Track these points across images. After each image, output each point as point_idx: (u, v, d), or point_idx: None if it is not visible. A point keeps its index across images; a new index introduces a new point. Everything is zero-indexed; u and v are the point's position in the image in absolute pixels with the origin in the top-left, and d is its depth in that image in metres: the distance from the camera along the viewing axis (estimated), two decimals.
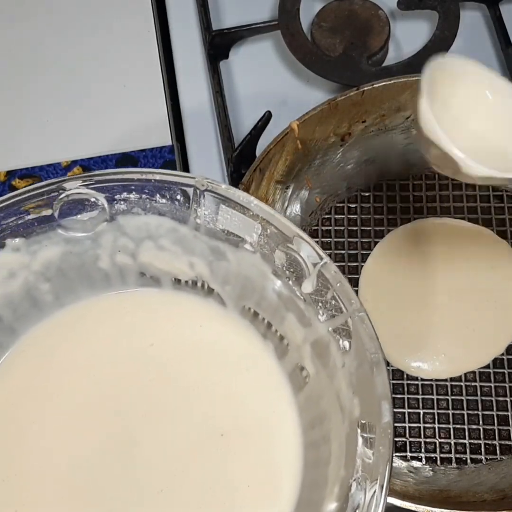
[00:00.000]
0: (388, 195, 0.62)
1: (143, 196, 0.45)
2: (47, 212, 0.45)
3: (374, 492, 0.37)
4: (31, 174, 0.65)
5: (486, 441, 0.54)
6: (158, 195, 0.45)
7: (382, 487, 0.37)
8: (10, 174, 0.65)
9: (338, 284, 0.42)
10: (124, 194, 0.45)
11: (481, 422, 0.55)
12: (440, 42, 0.66)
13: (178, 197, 0.45)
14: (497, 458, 0.54)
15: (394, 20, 0.70)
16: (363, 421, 0.39)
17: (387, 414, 0.38)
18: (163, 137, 0.67)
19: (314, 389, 0.44)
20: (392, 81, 0.58)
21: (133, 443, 0.46)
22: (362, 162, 0.62)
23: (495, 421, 0.55)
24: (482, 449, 0.54)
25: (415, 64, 0.65)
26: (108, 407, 0.47)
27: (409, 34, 0.69)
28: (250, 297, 0.47)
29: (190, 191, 0.45)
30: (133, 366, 0.48)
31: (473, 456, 0.54)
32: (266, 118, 0.62)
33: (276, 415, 0.45)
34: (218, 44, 0.68)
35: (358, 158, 0.62)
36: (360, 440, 0.39)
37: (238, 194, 0.44)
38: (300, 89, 0.68)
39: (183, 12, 0.72)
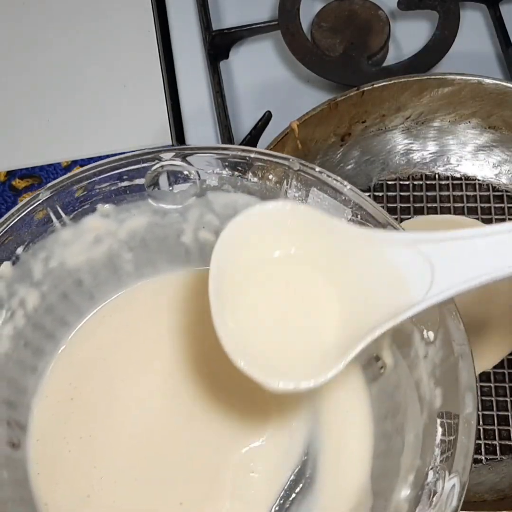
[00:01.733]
0: (388, 195, 0.62)
1: (235, 173, 0.44)
2: (140, 181, 0.45)
3: (453, 484, 0.37)
4: (31, 174, 0.65)
5: (486, 441, 0.54)
6: (250, 173, 0.44)
7: (461, 477, 0.37)
8: (10, 174, 0.65)
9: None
10: (217, 170, 0.45)
11: (481, 422, 0.55)
12: (440, 42, 0.66)
13: (271, 176, 0.44)
14: (497, 458, 0.54)
15: (394, 20, 0.70)
16: (444, 411, 0.39)
17: (470, 405, 0.38)
18: (163, 137, 0.67)
19: (390, 380, 0.43)
20: (392, 81, 0.59)
21: (203, 411, 0.46)
22: (362, 162, 0.62)
23: (495, 421, 0.55)
24: (482, 449, 0.54)
25: (415, 64, 0.65)
26: (181, 376, 0.47)
27: (409, 34, 0.69)
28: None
29: (282, 171, 0.44)
30: (206, 341, 0.47)
31: (473, 456, 0.54)
32: (266, 118, 0.62)
33: (347, 406, 0.45)
34: (218, 44, 0.68)
35: (358, 158, 0.62)
36: (439, 430, 0.39)
37: (332, 178, 0.43)
38: (300, 89, 0.68)
39: (183, 12, 0.72)
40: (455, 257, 0.37)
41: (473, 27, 0.70)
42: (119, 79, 0.70)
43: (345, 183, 0.43)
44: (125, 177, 0.45)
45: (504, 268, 0.36)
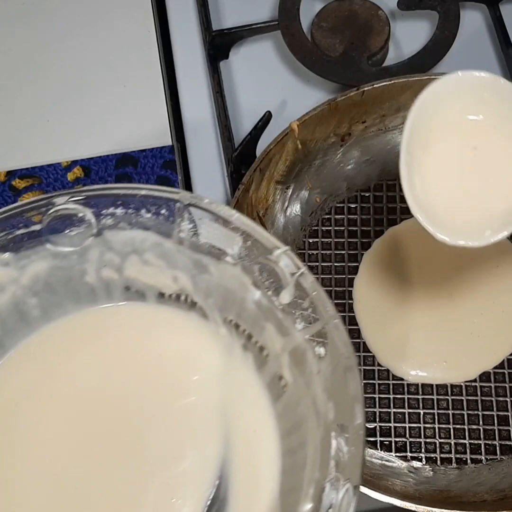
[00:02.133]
0: (388, 195, 0.62)
1: (129, 211, 0.46)
2: (36, 227, 0.46)
3: (346, 490, 0.38)
4: (31, 174, 0.65)
5: (486, 441, 0.54)
6: (143, 210, 0.46)
7: (354, 485, 0.38)
8: (10, 174, 0.65)
9: (314, 293, 0.43)
10: (111, 209, 0.46)
11: (481, 422, 0.55)
12: (440, 42, 0.66)
13: (163, 211, 0.46)
14: (497, 458, 0.54)
15: (394, 20, 0.70)
16: (337, 424, 0.40)
17: (359, 416, 0.40)
18: (163, 137, 0.67)
19: (292, 397, 0.45)
20: (392, 81, 0.59)
21: (120, 449, 0.47)
22: (362, 162, 0.62)
23: (495, 421, 0.55)
24: (482, 449, 0.54)
25: (415, 64, 0.65)
26: (96, 417, 0.48)
27: (409, 34, 0.69)
28: (231, 308, 0.47)
29: (174, 205, 0.45)
30: (118, 378, 0.49)
31: (473, 456, 0.54)
32: (266, 118, 0.62)
33: (255, 425, 0.46)
34: (218, 44, 0.68)
35: (358, 158, 0.62)
36: (333, 442, 0.40)
37: (220, 208, 0.45)
38: (300, 89, 0.68)
39: (183, 12, 0.72)
40: None
41: (473, 27, 0.70)
42: (119, 79, 0.70)
43: (233, 212, 0.45)
44: (20, 224, 0.46)
45: None
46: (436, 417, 0.55)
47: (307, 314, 0.43)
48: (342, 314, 0.58)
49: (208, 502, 0.45)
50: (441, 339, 0.57)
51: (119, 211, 0.46)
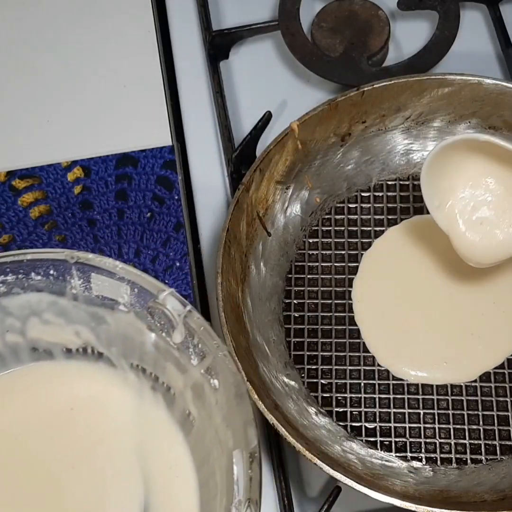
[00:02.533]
0: (388, 195, 0.62)
1: (19, 276, 0.48)
2: None
3: (246, 508, 0.41)
4: (31, 174, 0.65)
5: (486, 441, 0.54)
6: (33, 273, 0.48)
7: (255, 504, 0.41)
8: (10, 174, 0.65)
9: (201, 329, 0.46)
10: (2, 277, 0.48)
11: (481, 422, 0.55)
12: (440, 42, 0.66)
13: (51, 272, 0.48)
14: (497, 458, 0.54)
15: (394, 20, 0.70)
16: (236, 450, 0.43)
17: (253, 439, 0.43)
18: (163, 137, 0.67)
19: (200, 429, 0.48)
20: (392, 81, 0.59)
21: (43, 503, 0.49)
22: (362, 162, 0.62)
23: (495, 421, 0.55)
24: (482, 449, 0.54)
25: (415, 64, 0.65)
26: (18, 475, 0.50)
27: (409, 34, 0.69)
28: (134, 354, 0.50)
29: (61, 265, 0.48)
30: (35, 437, 0.50)
31: (473, 456, 0.54)
32: (266, 118, 0.62)
33: (172, 461, 0.49)
34: (218, 44, 0.68)
35: (358, 158, 0.62)
36: (235, 468, 0.43)
37: (104, 261, 0.48)
38: (300, 89, 0.68)
39: (183, 12, 0.72)
40: None
41: (473, 27, 0.70)
42: (119, 79, 0.70)
43: (117, 263, 0.48)
44: None
45: None
46: (436, 417, 0.55)
47: (199, 350, 0.46)
48: (342, 314, 0.58)
49: None
50: (441, 340, 0.57)
51: (10, 277, 0.48)
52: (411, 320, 0.58)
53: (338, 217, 0.61)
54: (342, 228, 0.61)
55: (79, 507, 0.49)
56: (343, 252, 0.60)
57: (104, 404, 0.51)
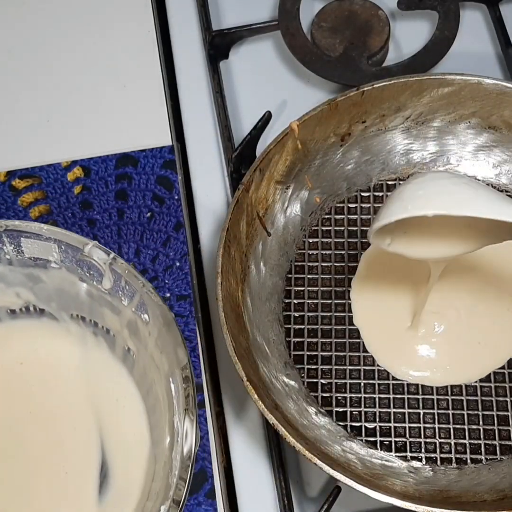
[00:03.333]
0: (388, 195, 0.62)
1: None
2: None
3: (185, 418, 0.47)
4: (31, 174, 0.65)
5: (486, 441, 0.54)
6: None
7: (191, 413, 0.47)
8: (10, 174, 0.65)
9: (126, 272, 0.51)
10: None
11: (481, 422, 0.55)
12: (440, 42, 0.66)
13: None
14: (497, 458, 0.54)
15: (394, 20, 0.70)
16: (171, 371, 0.49)
17: (183, 358, 0.48)
18: (163, 137, 0.67)
19: (139, 362, 0.53)
20: (392, 81, 0.59)
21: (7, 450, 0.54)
22: (362, 162, 0.62)
23: (495, 421, 0.55)
24: (482, 449, 0.54)
25: (415, 64, 0.65)
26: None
27: (409, 34, 0.69)
28: (71, 305, 0.55)
29: None
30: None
31: (473, 456, 0.54)
32: (266, 118, 0.62)
33: (120, 396, 0.54)
34: (218, 44, 0.68)
35: (358, 158, 0.62)
36: (172, 387, 0.48)
37: (31, 226, 0.52)
38: (300, 89, 0.68)
39: (183, 12, 0.72)
40: None
41: (473, 27, 0.70)
42: (119, 79, 0.70)
43: (42, 225, 0.52)
44: None
45: None
46: (436, 417, 0.55)
47: (127, 291, 0.51)
48: (342, 314, 0.58)
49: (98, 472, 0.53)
50: (441, 341, 0.57)
51: None
52: (411, 322, 0.57)
53: (338, 217, 0.61)
54: (342, 228, 0.61)
55: (40, 453, 0.53)
56: (343, 252, 0.60)
57: (52, 354, 0.56)
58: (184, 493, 0.46)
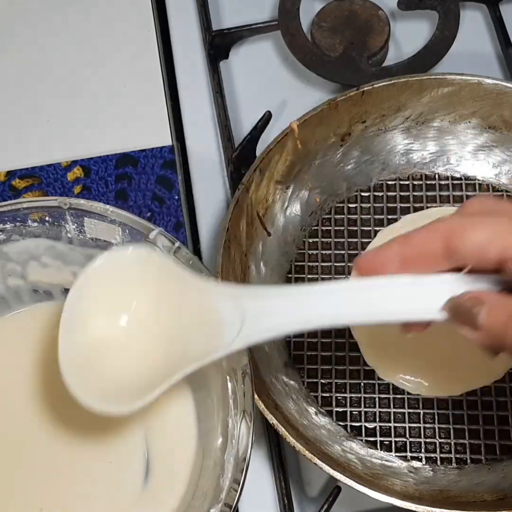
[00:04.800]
0: (388, 195, 0.62)
1: (17, 224, 0.51)
2: None
3: (242, 419, 0.45)
4: (31, 174, 0.65)
5: (486, 441, 0.54)
6: (29, 220, 0.51)
7: (249, 415, 0.45)
8: (10, 174, 0.65)
9: (190, 262, 0.49)
10: (0, 226, 0.51)
11: (481, 422, 0.55)
12: (440, 42, 0.66)
13: (47, 218, 0.51)
14: (497, 458, 0.54)
15: (394, 20, 0.70)
16: (230, 369, 0.47)
17: (244, 357, 0.46)
18: (163, 137, 0.67)
19: None
20: (392, 81, 0.59)
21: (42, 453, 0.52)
22: (362, 162, 0.62)
23: (495, 421, 0.55)
24: (482, 449, 0.54)
25: (415, 64, 0.65)
26: (19, 416, 0.52)
27: (409, 34, 0.69)
28: None
29: (56, 211, 0.51)
30: (37, 374, 0.53)
31: (473, 456, 0.54)
32: (266, 118, 0.62)
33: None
34: (218, 44, 0.68)
35: (358, 158, 0.62)
36: (229, 385, 0.47)
37: (96, 206, 0.50)
38: (300, 89, 0.68)
39: (183, 12, 0.72)
40: (262, 310, 0.43)
41: (473, 27, 0.70)
42: (119, 79, 0.70)
43: (108, 207, 0.50)
44: None
45: (295, 324, 0.42)
46: (436, 416, 0.55)
47: None
48: None
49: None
50: (440, 349, 0.56)
51: (9, 225, 0.51)
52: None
53: (338, 217, 0.61)
54: (342, 228, 0.61)
55: (84, 440, 0.51)
56: (343, 252, 0.60)
57: None
58: (237, 496, 0.44)
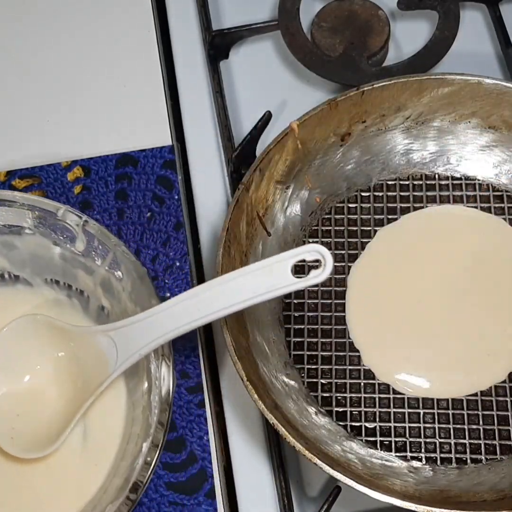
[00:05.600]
0: (388, 195, 0.62)
1: None
2: None
3: (162, 362, 0.50)
4: (31, 174, 0.65)
5: (486, 441, 0.54)
6: None
7: (167, 357, 0.50)
8: (10, 174, 0.65)
9: (99, 232, 0.53)
10: None
11: (481, 422, 0.55)
12: (440, 42, 0.66)
13: None
14: (497, 458, 0.54)
15: (394, 20, 0.70)
16: None
17: (155, 304, 0.50)
18: (163, 137, 0.67)
19: (113, 317, 0.55)
20: (392, 81, 0.59)
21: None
22: (362, 162, 0.62)
23: (495, 421, 0.55)
24: (482, 449, 0.54)
25: (415, 64, 0.65)
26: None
27: (409, 34, 0.69)
28: (45, 270, 0.56)
29: None
30: None
31: (473, 456, 0.54)
32: (266, 118, 0.62)
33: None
34: (218, 44, 0.68)
35: (358, 158, 0.62)
36: None
37: (3, 193, 0.54)
38: (300, 89, 0.68)
39: (183, 12, 0.72)
40: (127, 337, 0.50)
41: (473, 27, 0.70)
42: (119, 79, 0.70)
43: (15, 193, 0.54)
44: None
45: (159, 339, 0.49)
46: (436, 416, 0.55)
47: (100, 251, 0.53)
48: (342, 314, 0.58)
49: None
50: (441, 349, 0.56)
51: None
52: (408, 326, 0.57)
53: (338, 217, 0.61)
54: (342, 228, 0.61)
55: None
56: (343, 252, 0.60)
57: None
58: (163, 437, 0.48)
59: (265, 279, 0.46)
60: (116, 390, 0.54)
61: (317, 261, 0.46)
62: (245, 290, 0.47)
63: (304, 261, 0.46)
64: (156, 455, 0.48)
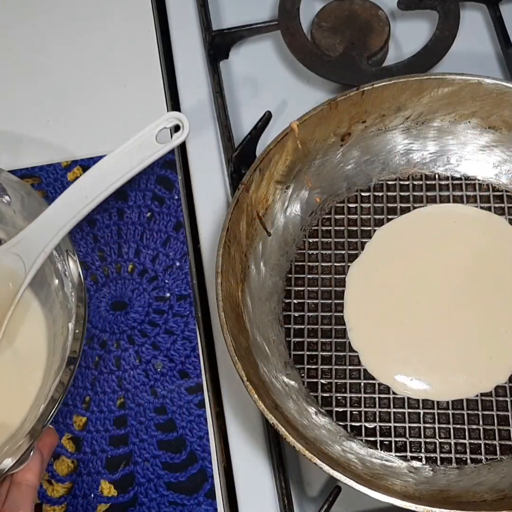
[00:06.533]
0: (388, 195, 0.62)
1: None
2: None
3: (67, 258, 0.53)
4: (31, 174, 0.65)
5: (486, 441, 0.54)
6: None
7: (72, 252, 0.53)
8: None
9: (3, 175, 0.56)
10: None
11: (481, 422, 0.55)
12: (440, 42, 0.66)
13: None
14: (497, 458, 0.54)
15: (394, 20, 0.70)
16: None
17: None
18: (163, 137, 0.67)
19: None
20: (392, 81, 0.59)
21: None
22: (362, 162, 0.62)
23: (495, 421, 0.55)
24: (482, 449, 0.54)
25: (415, 64, 0.65)
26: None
27: (409, 34, 0.69)
28: None
29: None
30: None
31: (473, 456, 0.54)
32: (266, 118, 0.62)
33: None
34: (218, 44, 0.68)
35: (358, 158, 0.62)
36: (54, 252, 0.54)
37: None
38: (300, 89, 0.68)
39: (183, 12, 0.72)
40: (29, 245, 0.53)
41: (473, 27, 0.70)
42: (119, 79, 0.70)
43: None
44: None
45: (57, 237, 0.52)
46: (436, 416, 0.55)
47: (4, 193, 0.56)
48: (341, 314, 0.58)
49: None
50: (441, 350, 0.56)
51: None
52: (407, 326, 0.57)
53: (338, 217, 0.61)
54: (342, 228, 0.61)
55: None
56: (343, 252, 0.60)
57: None
58: (84, 310, 0.52)
59: (136, 154, 0.54)
60: (31, 311, 0.57)
61: (177, 127, 0.54)
62: (121, 168, 0.54)
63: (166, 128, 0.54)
64: (83, 327, 0.51)
